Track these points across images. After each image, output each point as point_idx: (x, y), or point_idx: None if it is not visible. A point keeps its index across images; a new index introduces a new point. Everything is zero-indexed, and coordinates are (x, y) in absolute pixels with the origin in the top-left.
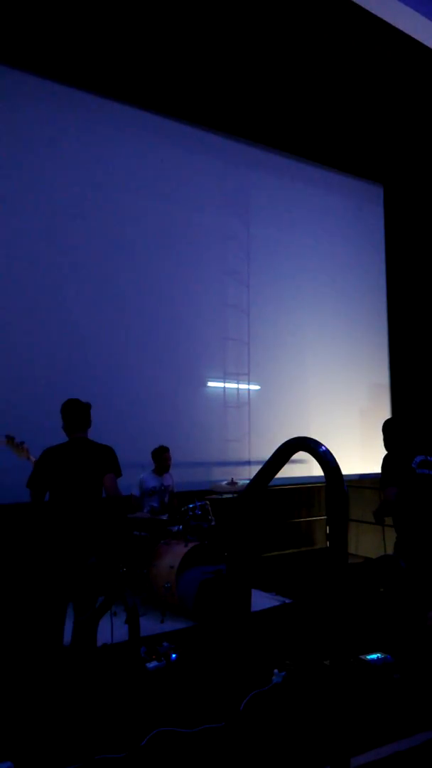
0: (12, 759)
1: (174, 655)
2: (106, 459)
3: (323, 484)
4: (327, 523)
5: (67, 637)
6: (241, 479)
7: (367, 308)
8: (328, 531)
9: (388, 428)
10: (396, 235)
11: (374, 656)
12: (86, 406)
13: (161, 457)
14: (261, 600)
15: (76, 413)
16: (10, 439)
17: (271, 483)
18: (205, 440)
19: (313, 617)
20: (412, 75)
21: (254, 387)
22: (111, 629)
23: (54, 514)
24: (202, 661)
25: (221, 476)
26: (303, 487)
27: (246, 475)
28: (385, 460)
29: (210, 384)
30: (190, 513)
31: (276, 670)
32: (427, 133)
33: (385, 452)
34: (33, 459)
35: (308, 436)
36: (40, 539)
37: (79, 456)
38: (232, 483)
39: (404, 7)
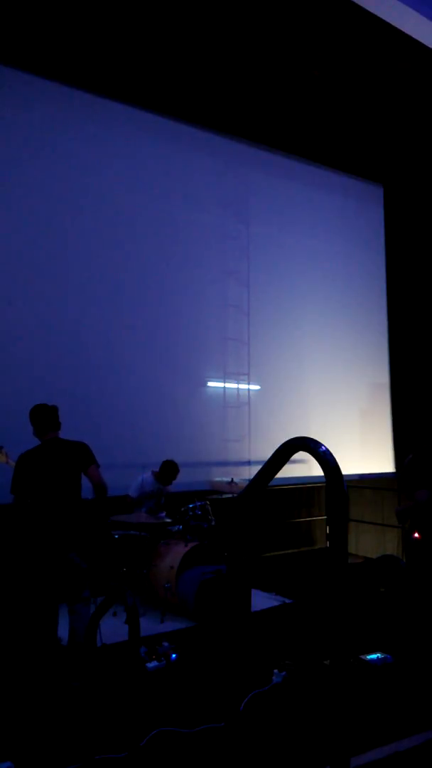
0: (12, 759)
1: (174, 655)
2: (83, 454)
3: (323, 484)
4: (327, 523)
5: (67, 638)
6: (241, 479)
7: (367, 308)
8: (328, 531)
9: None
10: (396, 235)
11: (374, 656)
12: (54, 409)
13: (170, 475)
14: (261, 600)
15: (45, 416)
16: None
17: (271, 483)
18: (205, 440)
19: (313, 617)
20: (412, 75)
21: (254, 387)
22: (99, 631)
23: (34, 513)
24: (202, 661)
25: (221, 476)
26: (303, 487)
27: (246, 475)
28: (413, 462)
29: (210, 384)
30: (190, 513)
31: (276, 670)
32: (427, 133)
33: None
34: (12, 463)
35: (308, 436)
36: (22, 538)
37: (54, 455)
38: (232, 483)
39: (404, 7)
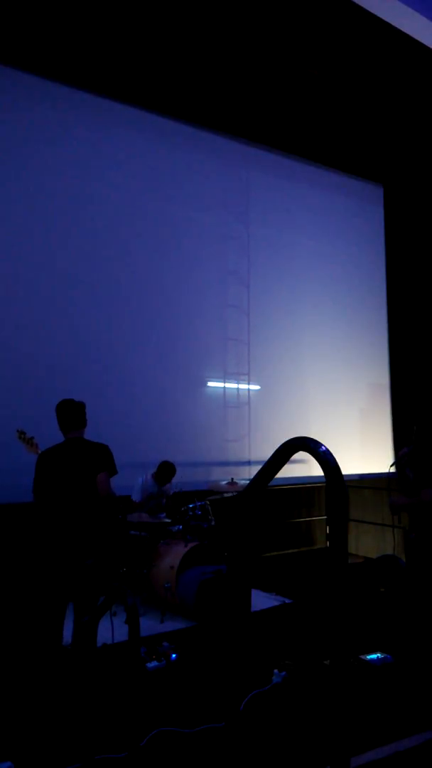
0: (12, 759)
1: (174, 655)
2: (101, 458)
3: (323, 484)
4: (327, 523)
5: (68, 637)
6: (241, 479)
7: (367, 308)
8: (328, 531)
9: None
10: (396, 235)
11: (374, 656)
12: (80, 406)
13: (167, 475)
14: (261, 600)
15: (70, 413)
16: (21, 433)
17: (271, 483)
18: (205, 440)
19: (313, 617)
20: (412, 75)
21: (254, 387)
22: (112, 629)
23: (51, 515)
24: (202, 661)
25: (221, 476)
26: (303, 487)
27: (246, 475)
28: (413, 457)
29: (210, 384)
30: (190, 513)
31: (276, 670)
32: (427, 133)
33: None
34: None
35: (308, 436)
36: (38, 540)
37: (73, 456)
38: (232, 483)
39: (404, 7)
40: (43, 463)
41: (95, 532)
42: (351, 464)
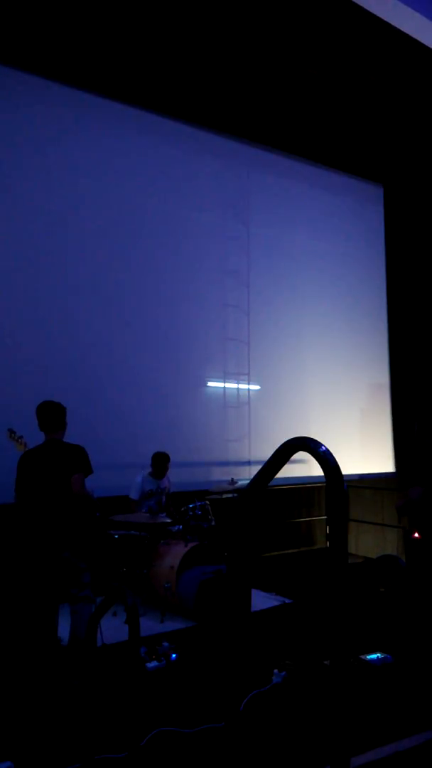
0: (12, 759)
1: (174, 655)
2: (75, 459)
3: (323, 484)
4: (327, 523)
5: (66, 638)
6: (241, 479)
7: (367, 308)
8: (328, 531)
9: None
10: (396, 235)
11: (374, 656)
12: (59, 408)
13: (161, 465)
14: (261, 600)
15: (48, 415)
16: (11, 432)
17: (271, 483)
18: (205, 440)
19: (313, 617)
20: (412, 75)
21: (254, 387)
22: (100, 630)
23: (28, 513)
24: (202, 661)
25: (221, 476)
26: (303, 487)
27: (246, 475)
28: (412, 458)
29: (210, 384)
30: (190, 513)
31: (276, 670)
32: (427, 133)
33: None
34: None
35: (308, 436)
36: (20, 538)
37: (50, 457)
38: (232, 483)
39: (404, 7)
40: (23, 464)
41: (70, 528)
42: (351, 464)
